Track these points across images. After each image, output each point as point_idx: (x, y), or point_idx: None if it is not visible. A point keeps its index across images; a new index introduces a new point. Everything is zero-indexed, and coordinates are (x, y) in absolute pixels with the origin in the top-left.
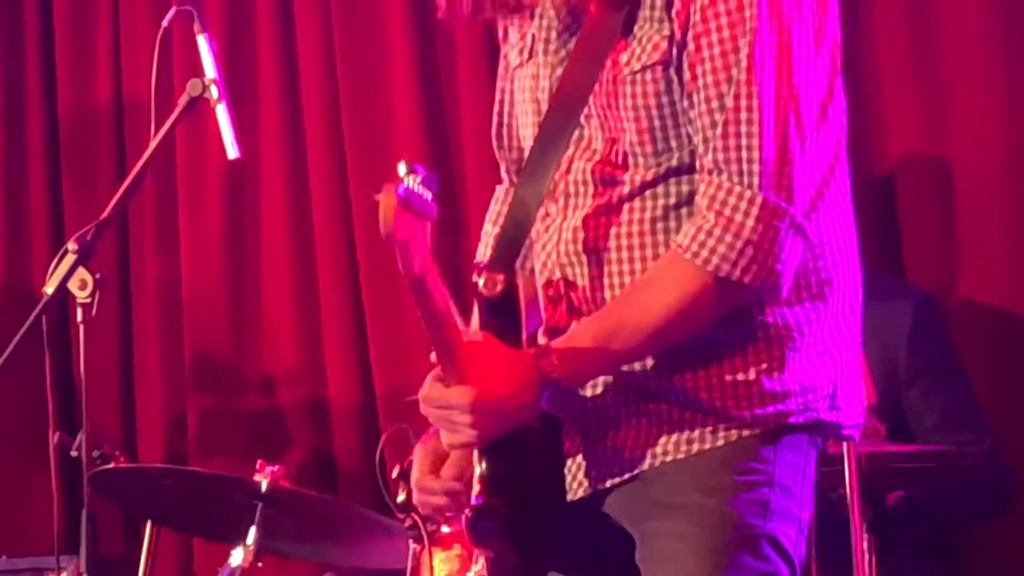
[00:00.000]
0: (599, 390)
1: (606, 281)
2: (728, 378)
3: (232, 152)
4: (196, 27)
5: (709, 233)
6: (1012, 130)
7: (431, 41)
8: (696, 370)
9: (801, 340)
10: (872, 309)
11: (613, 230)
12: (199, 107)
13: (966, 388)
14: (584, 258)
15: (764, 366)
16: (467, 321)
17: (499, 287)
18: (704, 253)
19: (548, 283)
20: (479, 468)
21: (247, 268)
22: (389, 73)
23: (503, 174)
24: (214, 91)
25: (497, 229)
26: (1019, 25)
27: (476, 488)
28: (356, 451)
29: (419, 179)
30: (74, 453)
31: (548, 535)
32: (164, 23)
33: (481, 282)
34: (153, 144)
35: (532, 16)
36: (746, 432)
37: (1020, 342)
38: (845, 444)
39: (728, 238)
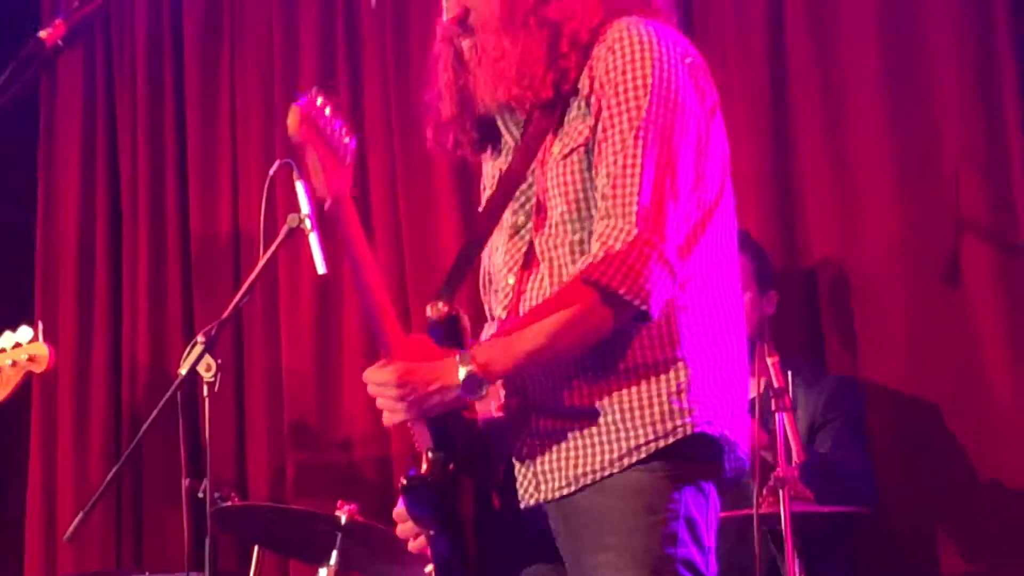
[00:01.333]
0: (540, 422)
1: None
2: (636, 401)
3: (321, 269)
4: (294, 175)
5: (594, 256)
6: (909, 243)
7: (469, 187)
8: (613, 396)
9: (695, 375)
10: (801, 391)
11: (545, 284)
12: (296, 235)
13: (864, 443)
14: (506, 300)
15: (666, 392)
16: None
17: (444, 310)
18: (588, 271)
19: (489, 317)
20: (426, 446)
21: (331, 355)
22: (439, 213)
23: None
24: (307, 223)
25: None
26: (914, 153)
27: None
28: None
29: (330, 110)
30: (200, 494)
31: (484, 526)
32: (271, 172)
33: (428, 309)
34: (262, 262)
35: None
36: (665, 442)
37: (917, 415)
38: (781, 492)
39: (609, 259)
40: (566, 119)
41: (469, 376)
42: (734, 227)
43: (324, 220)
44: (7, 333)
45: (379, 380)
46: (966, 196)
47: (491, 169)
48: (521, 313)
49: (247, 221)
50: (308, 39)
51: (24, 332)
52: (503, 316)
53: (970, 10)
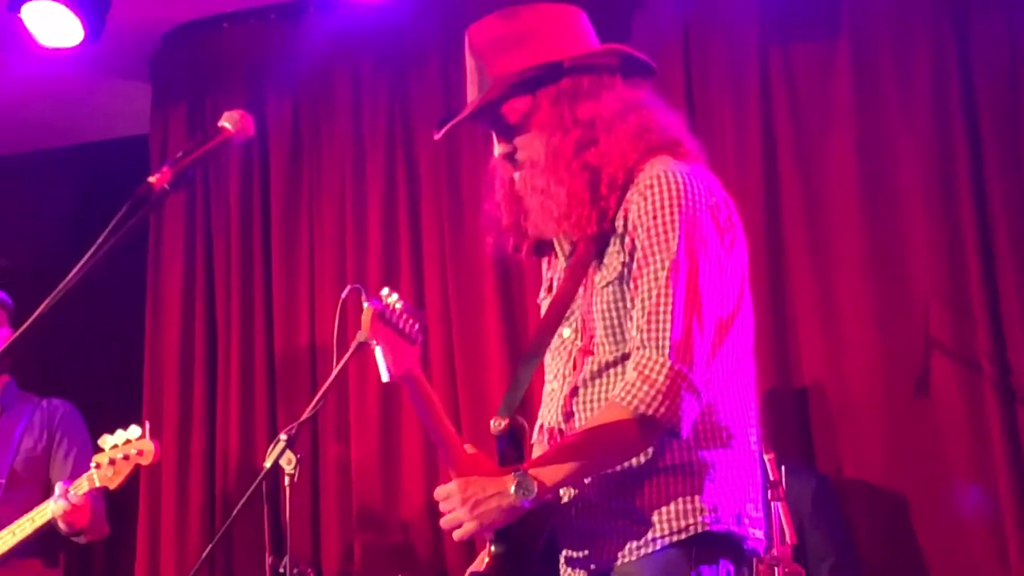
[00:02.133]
0: (581, 512)
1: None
2: (663, 499)
3: (385, 377)
4: (363, 297)
5: (633, 384)
6: (886, 363)
7: (512, 300)
8: (642, 496)
9: (715, 475)
10: (790, 481)
11: (588, 396)
12: (364, 348)
13: (847, 534)
14: (562, 414)
15: (689, 491)
16: None
17: (502, 426)
18: (628, 398)
19: (549, 432)
20: (489, 547)
21: (392, 449)
22: (486, 329)
23: None
24: (373, 339)
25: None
26: (890, 290)
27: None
28: (462, 567)
29: (401, 306)
30: (281, 570)
31: None
32: (343, 295)
33: (492, 424)
34: (335, 371)
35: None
36: (679, 537)
37: (891, 506)
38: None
39: (645, 387)
40: (606, 252)
41: (525, 491)
42: (750, 334)
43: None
44: (119, 431)
45: (446, 494)
46: (934, 326)
47: (549, 271)
48: (562, 415)
49: (322, 336)
50: (374, 182)
51: (134, 430)
52: (549, 421)
53: (936, 166)
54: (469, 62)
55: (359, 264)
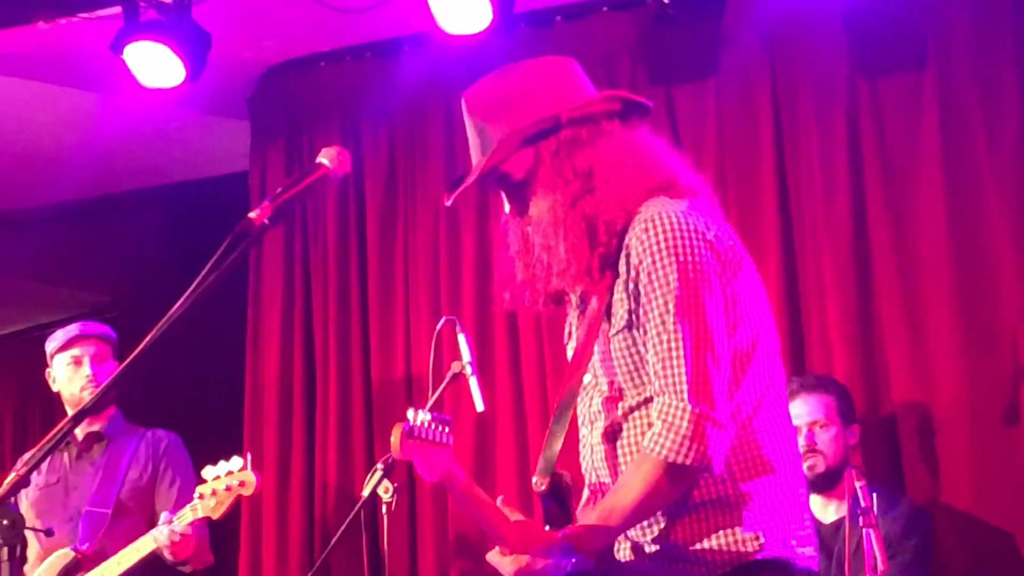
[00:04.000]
0: (628, 554)
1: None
2: (705, 534)
3: (479, 407)
4: (457, 328)
5: (659, 434)
6: (974, 387)
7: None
8: (684, 532)
9: (754, 503)
10: (883, 509)
11: (619, 443)
12: (459, 378)
13: (924, 567)
14: (605, 463)
15: (729, 524)
16: None
17: (543, 486)
18: (657, 448)
19: (589, 485)
20: None
21: (487, 475)
22: None
23: None
24: (468, 369)
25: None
26: (978, 313)
27: None
28: None
29: (429, 418)
30: None
31: None
32: (437, 327)
33: (534, 482)
34: (431, 401)
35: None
36: (724, 571)
37: (980, 533)
38: None
39: (671, 435)
40: (613, 299)
41: (574, 557)
42: (776, 358)
43: (482, 367)
44: (222, 462)
45: (504, 569)
46: (1023, 352)
47: (569, 316)
48: (598, 463)
49: (418, 366)
50: (467, 215)
51: (236, 461)
52: (590, 474)
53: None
54: (469, 126)
55: (453, 296)
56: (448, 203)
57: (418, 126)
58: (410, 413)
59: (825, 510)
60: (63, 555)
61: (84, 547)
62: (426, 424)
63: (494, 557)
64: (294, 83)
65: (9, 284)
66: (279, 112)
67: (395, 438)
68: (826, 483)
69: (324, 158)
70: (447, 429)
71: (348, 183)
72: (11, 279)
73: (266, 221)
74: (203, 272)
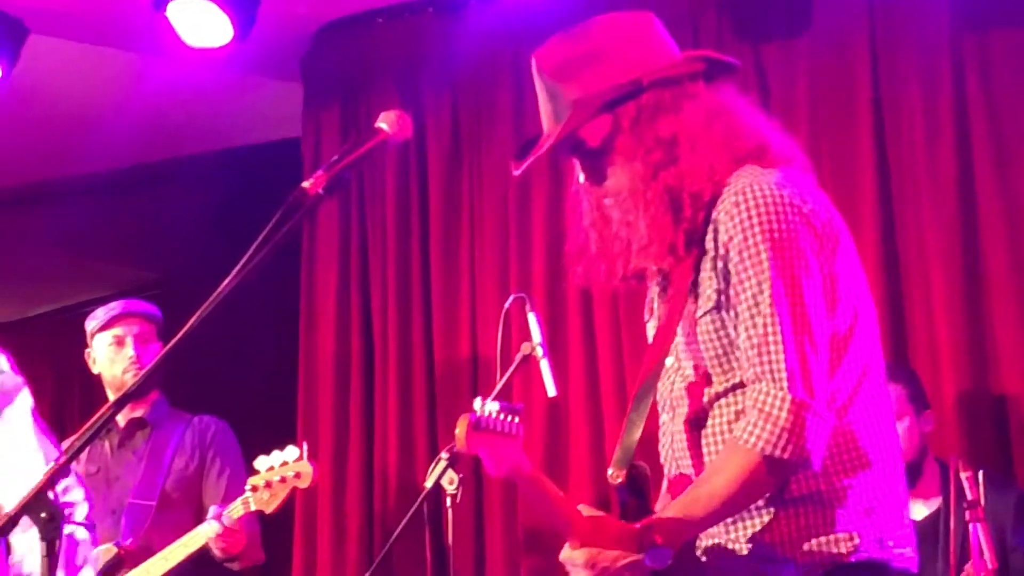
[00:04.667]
0: (709, 552)
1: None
2: (796, 533)
3: (551, 392)
4: (527, 307)
5: (755, 424)
6: None
7: None
8: (772, 531)
9: (849, 500)
10: (989, 497)
11: (703, 431)
12: (529, 361)
13: None
14: (687, 453)
15: (821, 523)
16: None
17: (620, 479)
18: (752, 439)
19: (668, 476)
20: None
21: (559, 465)
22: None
23: None
24: (539, 351)
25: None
26: None
27: None
28: None
29: (496, 408)
30: None
31: None
32: (506, 305)
33: (609, 474)
34: (499, 385)
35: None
36: (815, 573)
37: None
38: None
39: (768, 426)
40: (700, 277)
41: (655, 552)
42: (875, 342)
43: (554, 348)
44: (276, 452)
45: (574, 563)
46: None
47: (652, 293)
48: (681, 453)
49: (484, 348)
50: (539, 183)
51: (291, 451)
52: (671, 463)
53: None
54: (540, 89)
55: (523, 271)
56: (517, 172)
57: (484, 88)
58: (477, 403)
59: (912, 508)
60: (105, 551)
61: (127, 542)
62: (494, 414)
63: (565, 553)
64: (350, 42)
65: (46, 259)
66: (334, 73)
67: (460, 430)
68: (907, 479)
69: (383, 123)
70: (516, 419)
71: (409, 150)
72: (48, 254)
73: (320, 191)
74: (253, 247)
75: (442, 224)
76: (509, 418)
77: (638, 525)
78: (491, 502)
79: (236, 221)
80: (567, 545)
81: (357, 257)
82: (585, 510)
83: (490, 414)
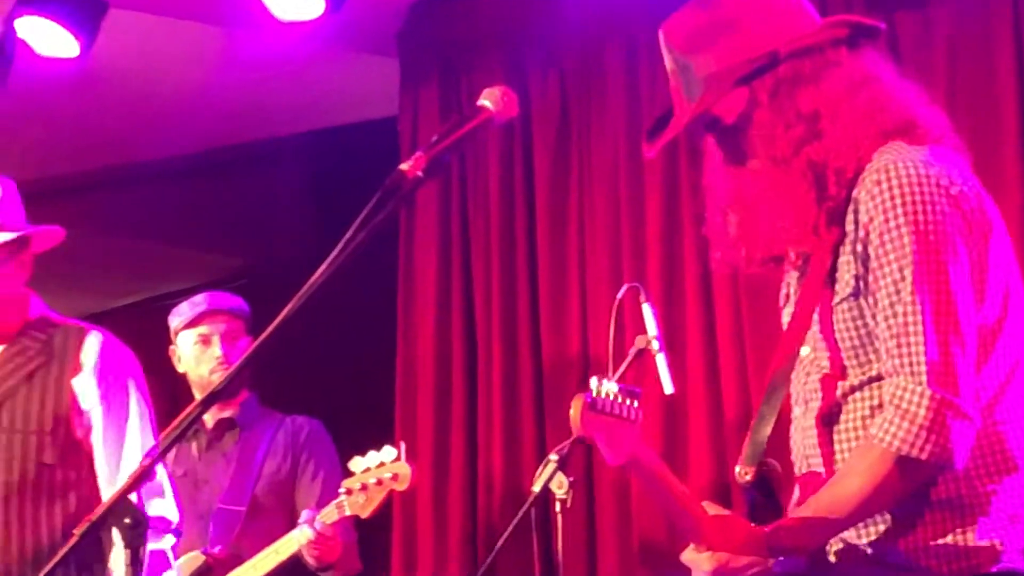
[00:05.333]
0: (841, 557)
1: (837, 467)
2: (933, 540)
3: (668, 389)
4: (641, 297)
5: (891, 422)
6: None
7: None
8: (907, 536)
9: (992, 506)
10: None
11: (836, 427)
12: (644, 356)
13: None
14: (819, 451)
15: (960, 529)
16: None
17: (748, 477)
18: (888, 438)
19: (798, 476)
20: None
21: (677, 471)
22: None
23: None
24: (655, 344)
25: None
26: None
27: None
28: None
29: (615, 389)
30: None
31: None
32: (618, 296)
33: (737, 471)
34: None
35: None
36: None
37: None
38: None
39: (905, 424)
40: (839, 262)
41: (785, 558)
42: (1022, 345)
43: (671, 342)
44: (372, 452)
45: (698, 567)
46: None
47: (789, 278)
48: (812, 451)
49: (595, 342)
50: (653, 165)
51: (388, 452)
52: (801, 461)
53: None
54: (669, 63)
55: (637, 259)
56: (651, 155)
57: (594, 61)
58: (593, 382)
59: None
60: (192, 558)
61: (216, 549)
62: (612, 396)
63: (689, 555)
64: (450, 14)
65: (124, 248)
66: (432, 48)
67: (575, 411)
68: None
69: (486, 100)
70: (636, 403)
71: (514, 129)
72: (127, 242)
73: (419, 174)
74: (347, 234)
75: (549, 209)
76: (628, 401)
77: (768, 528)
78: (604, 508)
79: (328, 207)
80: (691, 547)
81: (458, 244)
82: (711, 508)
83: (607, 395)
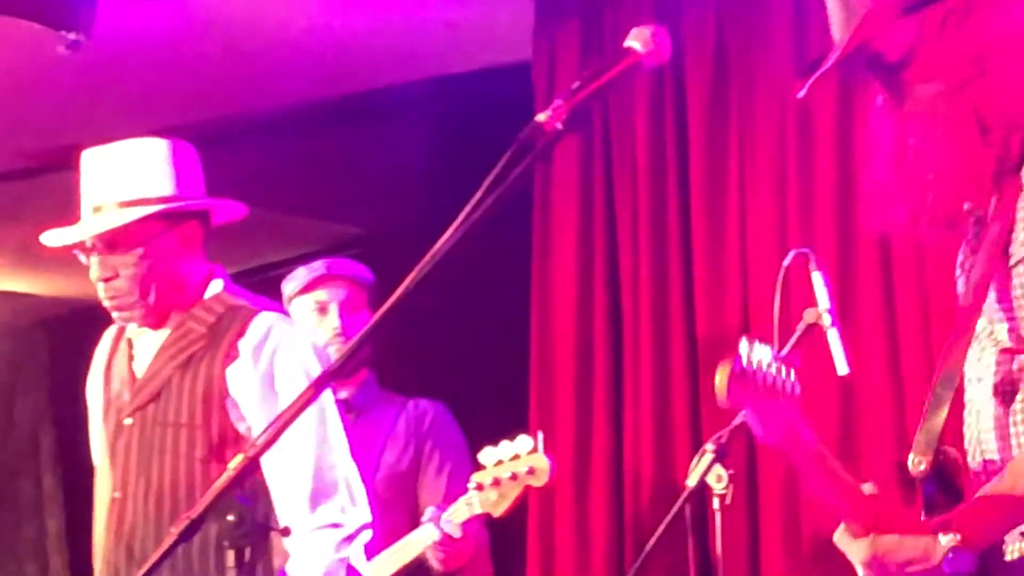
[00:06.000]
0: (1020, 554)
1: (1013, 453)
2: None
3: (842, 369)
4: (811, 265)
5: None
6: None
7: None
8: None
9: None
10: None
11: (1016, 406)
12: (814, 331)
13: None
14: (992, 434)
15: None
16: None
17: (923, 467)
18: None
19: (971, 462)
20: None
21: (852, 460)
22: None
23: None
24: (827, 319)
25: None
26: None
27: None
28: None
29: (769, 357)
30: None
31: None
32: (784, 263)
33: (910, 461)
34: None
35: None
36: None
37: None
38: None
39: None
40: (1017, 219)
41: (955, 556)
42: None
43: (845, 315)
44: (505, 443)
45: (851, 555)
46: None
47: (963, 250)
48: (988, 433)
49: (758, 316)
50: (823, 113)
51: (523, 442)
52: (975, 447)
53: None
54: None
55: (805, 221)
56: (800, 94)
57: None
58: (743, 345)
59: None
60: None
61: None
62: (765, 364)
63: (842, 538)
64: None
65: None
66: None
67: (721, 379)
68: None
69: (634, 41)
70: (793, 376)
71: (664, 76)
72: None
73: (558, 127)
74: (476, 196)
75: (705, 164)
76: (784, 371)
77: (937, 520)
78: (769, 504)
79: (454, 164)
80: (843, 527)
81: (601, 206)
82: (870, 488)
83: (760, 363)
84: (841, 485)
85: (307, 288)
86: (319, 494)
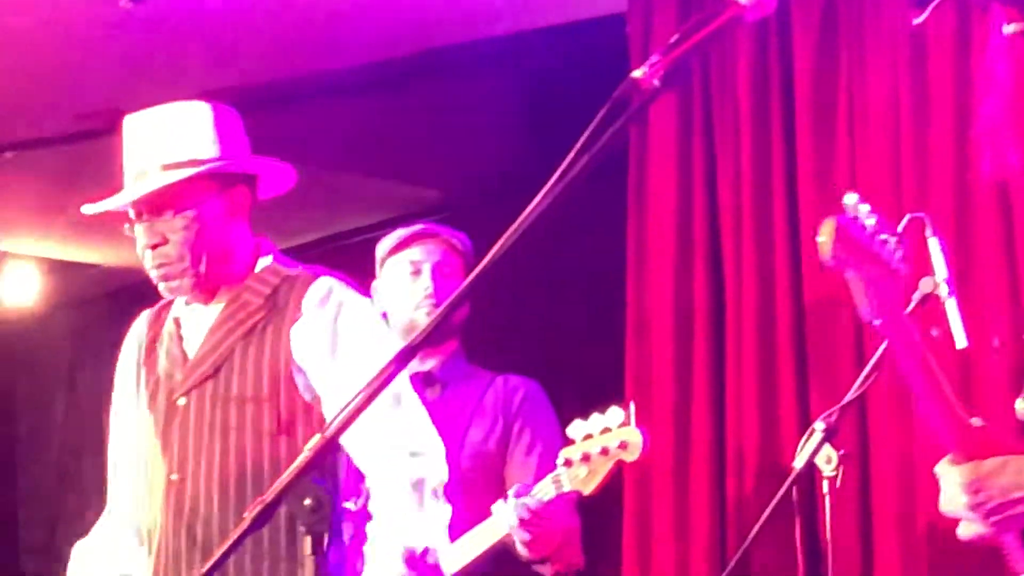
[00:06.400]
0: None
1: None
2: None
3: (961, 343)
4: (928, 230)
5: None
6: None
7: None
8: None
9: None
10: None
11: None
12: (930, 301)
13: None
14: None
15: None
16: None
17: None
18: None
19: None
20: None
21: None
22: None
23: None
24: (944, 288)
25: None
26: None
27: None
28: None
29: (875, 221)
30: None
31: None
32: (899, 229)
33: (1017, 406)
34: (884, 343)
35: None
36: None
37: None
38: None
39: None
40: None
41: None
42: None
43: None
44: (595, 415)
45: (949, 482)
46: None
47: None
48: None
49: None
50: (939, 69)
51: (615, 414)
52: None
53: None
54: None
55: (920, 182)
56: (917, 20)
57: None
58: (851, 198)
59: None
60: None
61: None
62: (873, 226)
63: (942, 468)
64: None
65: (304, 177)
66: None
67: (825, 235)
68: None
69: None
70: (900, 252)
71: (768, 28)
72: (306, 170)
73: (655, 84)
74: (567, 158)
75: (812, 123)
76: (892, 243)
77: None
78: (883, 486)
79: (544, 124)
80: (947, 457)
81: (701, 168)
82: (979, 423)
83: (867, 225)
84: (942, 403)
85: (402, 245)
86: (399, 453)
